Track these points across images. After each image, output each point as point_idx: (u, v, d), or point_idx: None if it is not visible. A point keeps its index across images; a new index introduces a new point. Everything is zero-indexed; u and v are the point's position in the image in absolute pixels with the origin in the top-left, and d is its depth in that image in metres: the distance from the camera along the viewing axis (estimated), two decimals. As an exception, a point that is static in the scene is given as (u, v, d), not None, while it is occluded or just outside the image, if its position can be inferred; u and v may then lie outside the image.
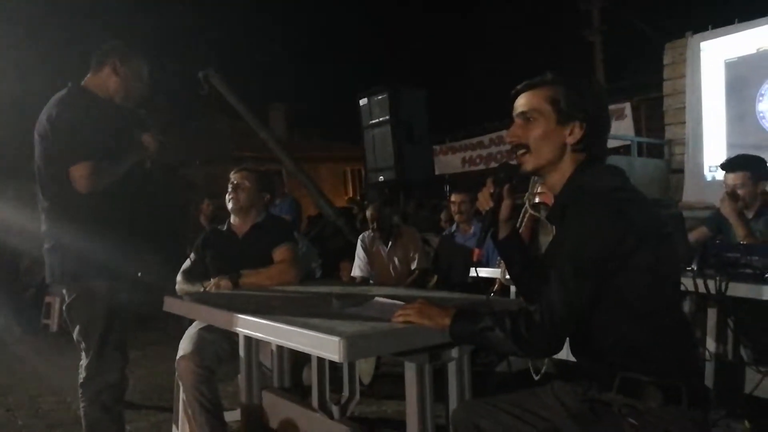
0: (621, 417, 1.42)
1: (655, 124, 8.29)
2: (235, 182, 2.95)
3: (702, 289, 2.53)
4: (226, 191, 3.01)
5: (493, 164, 10.40)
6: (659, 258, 1.45)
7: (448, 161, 11.32)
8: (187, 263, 3.01)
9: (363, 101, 7.14)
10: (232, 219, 3.01)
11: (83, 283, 2.45)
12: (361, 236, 4.92)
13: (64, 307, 2.52)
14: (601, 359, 1.50)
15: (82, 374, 2.49)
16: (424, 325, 1.60)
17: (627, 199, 1.48)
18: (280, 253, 2.83)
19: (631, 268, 1.41)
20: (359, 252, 4.81)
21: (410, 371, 1.70)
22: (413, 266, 4.76)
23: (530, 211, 3.62)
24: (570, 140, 1.53)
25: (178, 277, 2.96)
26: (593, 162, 1.56)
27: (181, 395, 2.65)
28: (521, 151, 1.59)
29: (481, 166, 10.71)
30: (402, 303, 1.82)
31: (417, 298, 1.77)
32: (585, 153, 1.55)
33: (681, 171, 7.24)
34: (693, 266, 2.64)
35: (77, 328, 2.48)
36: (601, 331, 1.47)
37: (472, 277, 3.94)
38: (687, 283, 2.55)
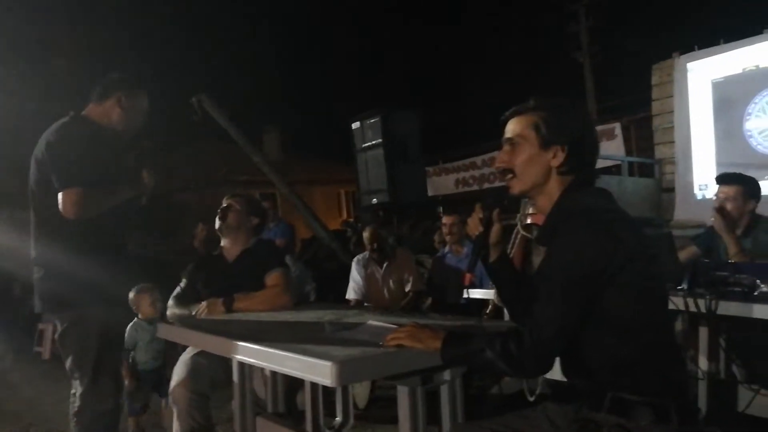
0: (612, 438, 1.43)
1: (645, 143, 8.39)
2: (225, 204, 2.99)
3: (693, 307, 2.55)
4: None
5: (487, 185, 10.46)
6: (646, 277, 1.48)
7: (442, 182, 11.38)
8: (178, 289, 3.01)
9: (355, 125, 7.18)
10: (223, 243, 3.01)
11: (75, 311, 2.44)
12: (355, 258, 4.93)
13: (56, 336, 2.51)
14: (591, 378, 1.52)
15: (76, 403, 2.47)
16: (415, 348, 1.62)
17: (614, 219, 1.51)
18: (272, 279, 2.83)
19: (619, 286, 1.44)
20: (354, 275, 4.81)
21: (403, 394, 1.71)
22: (407, 288, 4.77)
23: (522, 232, 3.64)
24: (554, 163, 1.57)
25: (170, 302, 2.96)
26: (581, 184, 1.60)
27: (175, 421, 2.64)
28: (509, 176, 1.64)
29: (475, 187, 10.76)
30: (394, 326, 1.83)
31: (409, 321, 1.78)
32: (572, 175, 1.59)
33: (672, 190, 7.30)
34: (683, 285, 2.67)
35: (70, 356, 2.47)
36: (591, 350, 1.49)
37: (466, 299, 3.94)
38: (677, 302, 2.58)
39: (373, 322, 2.03)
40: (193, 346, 2.41)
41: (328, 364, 1.49)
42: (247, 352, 1.82)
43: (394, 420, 1.79)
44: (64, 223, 2.38)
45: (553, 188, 1.60)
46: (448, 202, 9.70)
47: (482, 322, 1.95)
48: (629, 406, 1.44)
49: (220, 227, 2.95)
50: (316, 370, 1.52)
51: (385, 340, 1.68)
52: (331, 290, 5.46)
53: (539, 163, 1.58)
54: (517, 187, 1.63)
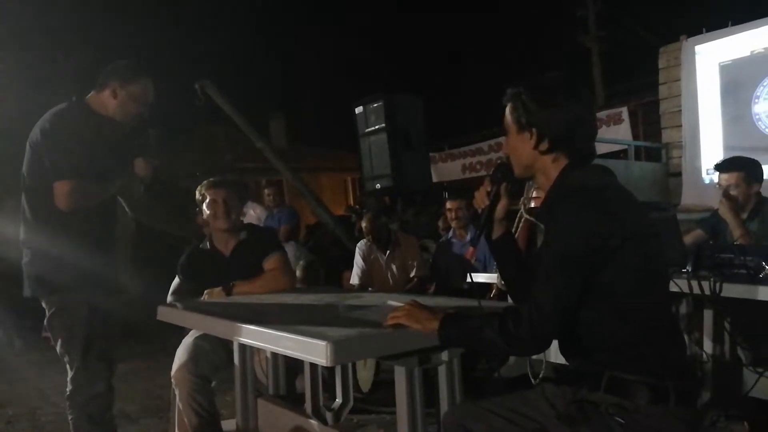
0: (609, 416, 1.42)
1: (652, 128, 8.31)
2: (220, 199, 2.79)
3: (697, 290, 2.53)
4: None
5: (493, 170, 10.38)
6: (647, 256, 1.47)
7: (448, 168, 11.31)
8: (175, 285, 2.98)
9: (358, 109, 7.14)
10: (215, 237, 2.87)
11: (61, 297, 2.44)
12: (358, 244, 4.93)
13: (45, 322, 2.50)
14: (589, 359, 1.51)
15: (68, 387, 2.49)
16: (413, 327, 1.61)
17: (613, 197, 1.51)
18: (271, 263, 2.79)
19: (618, 265, 1.43)
20: (357, 260, 4.81)
21: (400, 374, 1.70)
22: (412, 274, 4.76)
23: (525, 215, 3.62)
24: (531, 145, 1.59)
25: (169, 298, 2.92)
26: (578, 163, 1.59)
27: (178, 404, 2.65)
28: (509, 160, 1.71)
29: (482, 173, 10.68)
30: None
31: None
32: (565, 156, 1.58)
33: (679, 174, 7.24)
34: (688, 268, 2.64)
35: (59, 341, 2.48)
36: (589, 329, 1.48)
37: (469, 283, 3.93)
38: (682, 284, 2.55)
39: (392, 302, 2.02)
40: (193, 328, 2.41)
41: (323, 343, 1.48)
42: (245, 333, 1.82)
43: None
44: (54, 209, 2.37)
45: (549, 168, 1.61)
46: (454, 188, 9.66)
47: (481, 303, 1.92)
48: (627, 385, 1.43)
49: (222, 228, 2.81)
50: (312, 349, 1.51)
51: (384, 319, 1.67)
52: (339, 278, 5.46)
53: (521, 146, 1.63)
54: (516, 171, 1.69)
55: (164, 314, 2.41)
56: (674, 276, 2.51)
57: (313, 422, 2.15)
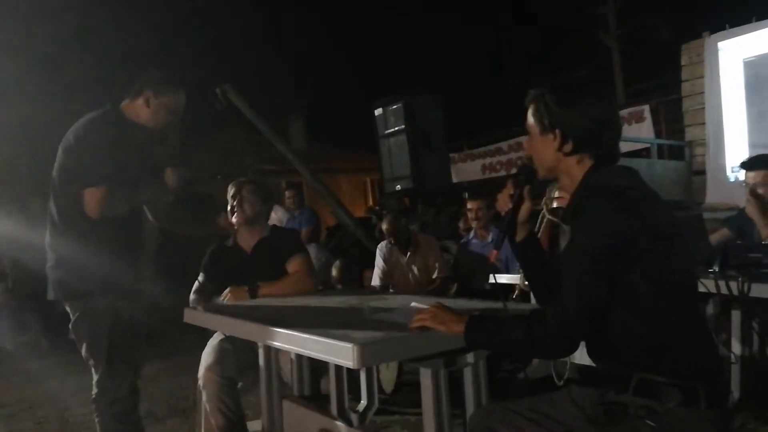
0: (638, 419, 1.41)
1: (675, 126, 8.20)
2: (237, 195, 2.90)
3: (725, 290, 2.49)
4: None
5: (514, 170, 10.32)
6: (674, 256, 1.46)
7: (468, 168, 11.27)
8: (197, 283, 3.01)
9: (378, 111, 7.14)
10: (238, 234, 2.96)
11: (85, 302, 2.47)
12: (379, 246, 4.93)
13: (70, 326, 2.54)
14: (617, 361, 1.50)
15: (94, 390, 2.52)
16: (438, 330, 1.61)
17: (640, 198, 1.49)
18: (294, 265, 2.83)
19: (646, 265, 1.42)
20: (378, 261, 4.82)
21: (426, 377, 1.70)
22: (434, 275, 4.76)
23: (548, 216, 3.59)
24: (555, 146, 1.58)
25: (192, 296, 2.96)
26: (603, 164, 1.58)
27: (204, 405, 2.68)
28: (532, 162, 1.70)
29: (502, 173, 10.63)
30: None
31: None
32: (588, 156, 1.58)
33: (703, 172, 7.13)
34: (714, 267, 2.61)
35: (84, 345, 2.51)
36: (617, 331, 1.47)
37: (492, 284, 3.92)
38: (709, 284, 2.52)
39: (416, 304, 2.03)
40: (219, 330, 2.44)
41: (349, 346, 1.49)
42: (272, 336, 1.83)
43: (420, 404, 1.80)
44: (82, 214, 2.41)
45: (573, 170, 1.60)
46: (474, 189, 9.63)
47: (507, 306, 1.92)
48: (656, 387, 1.41)
49: (238, 221, 2.89)
50: (338, 352, 1.52)
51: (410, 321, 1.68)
52: (360, 277, 5.47)
53: (544, 148, 1.62)
54: (539, 173, 1.69)
55: (190, 317, 2.44)
56: (701, 276, 2.49)
57: (339, 423, 2.16)
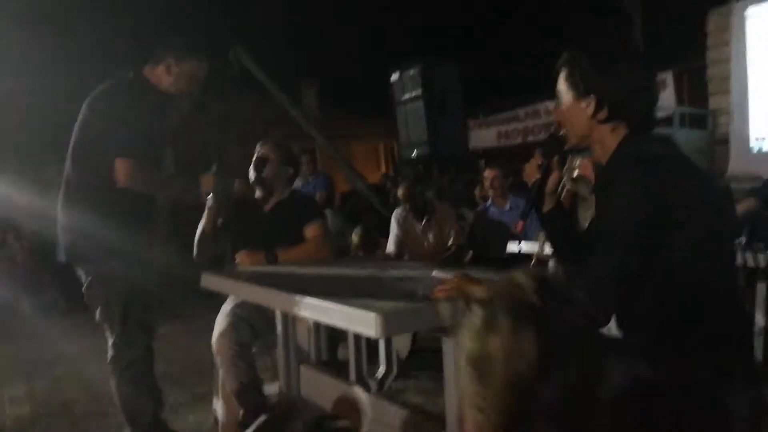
0: (669, 394, 1.37)
1: (699, 94, 8.00)
2: (259, 155, 2.92)
3: (751, 263, 2.45)
4: None
5: (531, 138, 10.19)
6: (711, 229, 1.41)
7: (483, 136, 11.15)
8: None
9: (394, 76, 7.04)
10: (258, 194, 2.96)
11: (96, 266, 2.47)
12: (394, 213, 4.89)
13: (83, 290, 2.54)
14: (648, 333, 1.45)
15: (109, 352, 2.54)
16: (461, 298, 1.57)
17: (677, 168, 1.43)
18: (312, 230, 2.82)
19: (681, 238, 1.37)
20: (393, 228, 4.78)
21: (447, 346, 1.67)
22: (450, 243, 4.72)
23: (568, 185, 3.53)
24: (589, 113, 1.52)
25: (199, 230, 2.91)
26: (638, 132, 1.52)
27: (220, 371, 2.69)
28: (563, 130, 1.63)
29: (518, 140, 10.51)
30: None
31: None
32: (622, 124, 1.52)
33: (725, 142, 6.99)
34: (742, 239, 2.56)
35: (98, 310, 2.52)
36: (649, 303, 1.42)
37: (509, 254, 3.88)
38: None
39: (438, 273, 2.00)
40: (238, 296, 2.42)
41: (372, 315, 1.47)
42: (294, 304, 1.81)
43: (436, 370, 1.78)
44: (98, 179, 2.41)
45: (606, 138, 1.54)
46: (489, 155, 9.53)
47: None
48: (689, 362, 1.37)
49: (255, 179, 2.89)
50: (361, 321, 1.49)
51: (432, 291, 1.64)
52: (376, 244, 5.44)
53: (577, 115, 1.55)
54: (570, 141, 1.63)
55: (208, 281, 2.43)
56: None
57: (358, 389, 2.16)
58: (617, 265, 1.38)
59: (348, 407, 2.16)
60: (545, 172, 1.70)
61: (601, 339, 1.21)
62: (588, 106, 1.52)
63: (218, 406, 2.87)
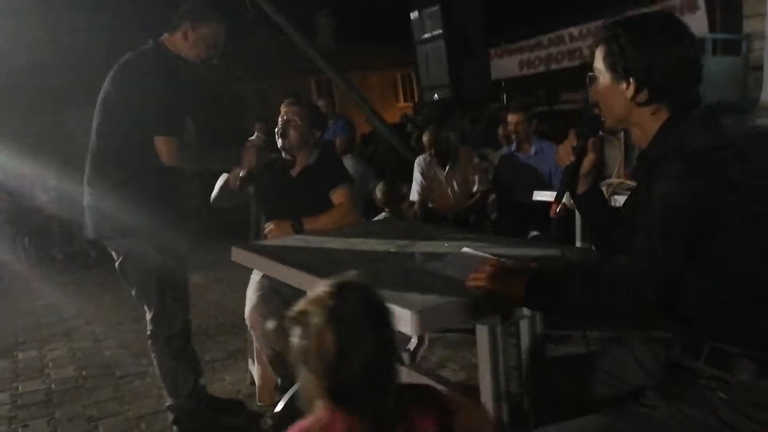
0: (709, 390, 1.36)
1: (732, 16, 7.60)
2: (286, 118, 2.83)
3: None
4: (277, 110, 2.94)
5: (554, 65, 9.82)
6: (759, 221, 1.35)
7: (504, 65, 10.73)
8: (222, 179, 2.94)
9: (414, 14, 6.75)
10: (284, 155, 2.90)
11: (128, 242, 2.47)
12: (417, 160, 4.83)
13: (116, 267, 2.55)
14: (688, 323, 1.43)
15: (149, 326, 2.58)
16: (497, 292, 1.56)
17: (725, 158, 1.36)
18: (339, 196, 2.79)
19: (728, 231, 1.33)
20: (416, 176, 4.73)
21: (482, 333, 1.67)
22: (474, 189, 4.67)
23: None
24: (628, 95, 1.44)
25: (219, 182, 2.91)
26: (680, 116, 1.43)
27: (255, 345, 2.75)
28: (598, 109, 1.55)
29: (541, 68, 10.14)
30: (488, 256, 1.83)
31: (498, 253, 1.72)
32: (666, 107, 1.44)
33: (760, 68, 6.68)
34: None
35: (134, 287, 2.55)
36: (692, 297, 1.39)
37: (536, 201, 3.81)
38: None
39: (468, 250, 1.99)
40: (269, 274, 2.43)
41: (408, 312, 1.46)
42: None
43: (460, 346, 1.73)
44: (128, 153, 2.39)
45: (646, 122, 1.46)
46: (511, 85, 9.26)
47: (565, 252, 1.85)
48: (730, 357, 1.35)
49: (282, 145, 2.84)
50: (398, 318, 1.48)
51: (467, 279, 1.62)
52: (399, 195, 5.39)
53: (615, 96, 1.47)
54: (607, 122, 1.55)
55: (239, 256, 2.43)
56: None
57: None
58: (658, 261, 1.35)
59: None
60: (580, 153, 1.64)
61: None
62: (627, 88, 1.44)
63: (254, 370, 2.96)
